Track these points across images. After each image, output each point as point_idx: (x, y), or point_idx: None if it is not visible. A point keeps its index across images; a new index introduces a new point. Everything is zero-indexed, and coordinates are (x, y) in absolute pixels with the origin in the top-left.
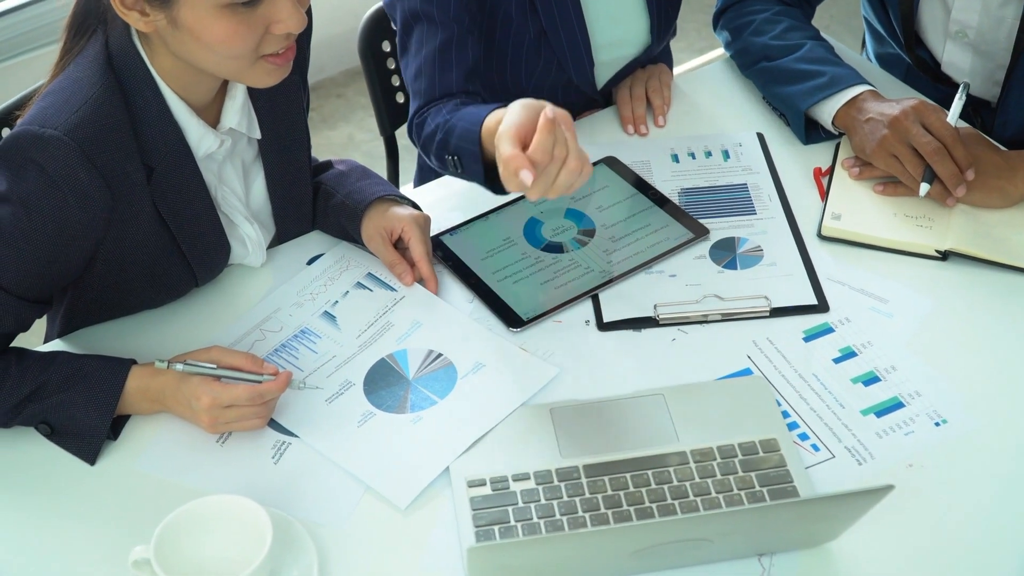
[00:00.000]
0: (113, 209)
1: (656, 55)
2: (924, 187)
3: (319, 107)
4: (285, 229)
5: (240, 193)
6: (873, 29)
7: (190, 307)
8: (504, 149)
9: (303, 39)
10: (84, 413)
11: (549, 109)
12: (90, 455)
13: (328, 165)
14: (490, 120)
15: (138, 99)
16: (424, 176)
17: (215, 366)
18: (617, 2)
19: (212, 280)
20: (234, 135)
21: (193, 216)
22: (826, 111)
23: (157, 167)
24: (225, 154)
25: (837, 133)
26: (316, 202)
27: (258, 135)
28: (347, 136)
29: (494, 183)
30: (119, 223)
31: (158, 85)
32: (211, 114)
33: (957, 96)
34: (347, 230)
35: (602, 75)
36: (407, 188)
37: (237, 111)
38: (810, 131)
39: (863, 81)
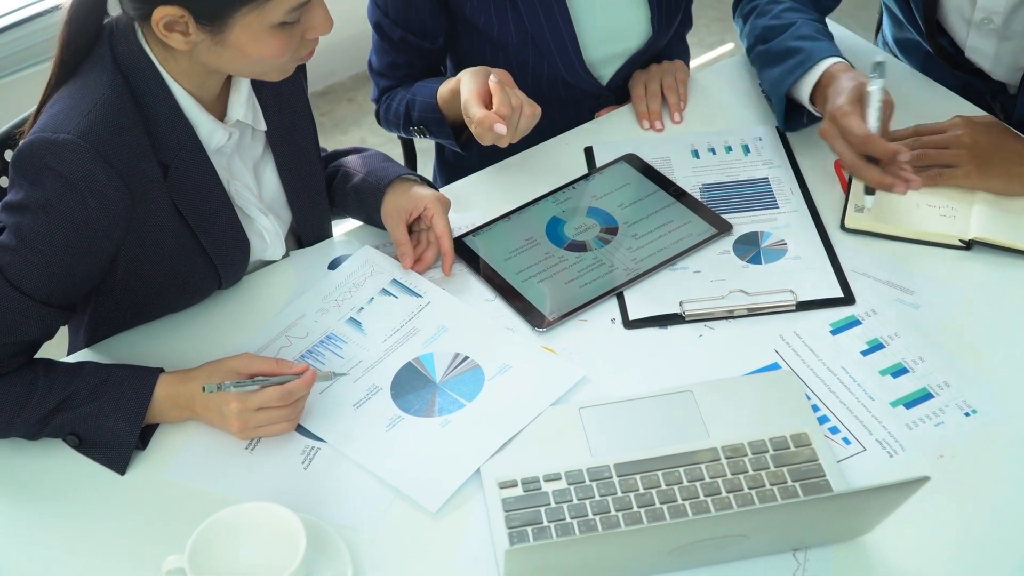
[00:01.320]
0: (132, 208)
1: (670, 50)
2: (869, 199)
3: (330, 112)
4: (302, 215)
5: (252, 186)
6: (892, 14)
7: (214, 314)
8: (475, 112)
9: None
10: (113, 423)
11: (492, 76)
12: (120, 465)
13: (350, 151)
14: (442, 90)
15: (148, 98)
16: (443, 177)
17: (254, 384)
18: None
19: (236, 283)
20: (240, 127)
21: (212, 211)
22: (804, 90)
23: (172, 164)
24: (233, 148)
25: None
26: (335, 185)
27: (264, 127)
28: (359, 140)
29: (459, 141)
30: (139, 222)
31: (167, 83)
32: (217, 108)
33: (874, 93)
34: (367, 209)
35: (605, 70)
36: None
37: (243, 103)
38: (798, 118)
39: (833, 53)
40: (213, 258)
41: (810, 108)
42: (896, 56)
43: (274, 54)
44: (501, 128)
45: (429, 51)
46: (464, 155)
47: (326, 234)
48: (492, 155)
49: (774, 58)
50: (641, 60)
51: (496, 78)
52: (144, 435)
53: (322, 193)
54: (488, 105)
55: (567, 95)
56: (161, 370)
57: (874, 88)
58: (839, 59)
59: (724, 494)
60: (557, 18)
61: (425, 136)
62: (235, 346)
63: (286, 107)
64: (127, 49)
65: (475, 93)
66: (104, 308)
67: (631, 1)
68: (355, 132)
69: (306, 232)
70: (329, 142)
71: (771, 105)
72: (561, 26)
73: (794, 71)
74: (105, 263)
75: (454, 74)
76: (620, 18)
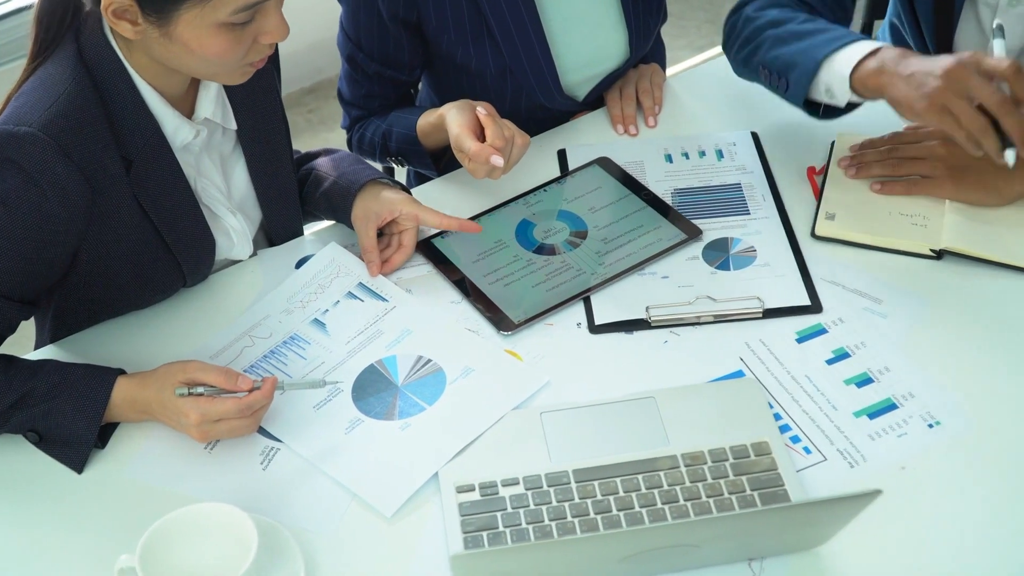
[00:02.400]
0: (93, 203)
1: (646, 55)
2: (1010, 154)
3: (318, 108)
4: (272, 215)
5: (220, 184)
6: (902, 39)
7: (180, 312)
8: (469, 146)
9: None
10: (71, 422)
11: (480, 108)
12: (77, 463)
13: (320, 153)
14: (422, 123)
15: (112, 92)
16: (417, 178)
17: (216, 388)
18: (591, 21)
19: (201, 281)
20: (210, 126)
21: (174, 207)
22: (844, 61)
23: (135, 159)
24: (201, 145)
25: (843, 106)
26: (306, 189)
27: (234, 125)
28: (345, 138)
29: (437, 168)
30: (100, 217)
31: (132, 78)
32: (185, 105)
33: (996, 40)
34: (338, 214)
35: (581, 91)
36: (416, 188)
37: (211, 101)
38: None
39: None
40: (176, 255)
41: (844, 84)
42: None
43: (219, 53)
44: (498, 160)
45: (404, 81)
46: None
47: (297, 233)
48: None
49: (797, 36)
50: (618, 76)
51: (484, 110)
52: (104, 433)
53: (293, 193)
54: (480, 138)
55: (544, 115)
56: (120, 372)
57: (996, 46)
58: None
59: (682, 502)
60: (535, 48)
61: (402, 165)
62: (200, 345)
63: (258, 106)
64: (94, 42)
65: (466, 127)
66: (68, 303)
67: (610, 25)
68: (342, 130)
69: (276, 232)
70: (315, 139)
71: (773, 86)
72: (539, 56)
73: (831, 43)
74: (66, 257)
75: (427, 98)
76: (599, 42)
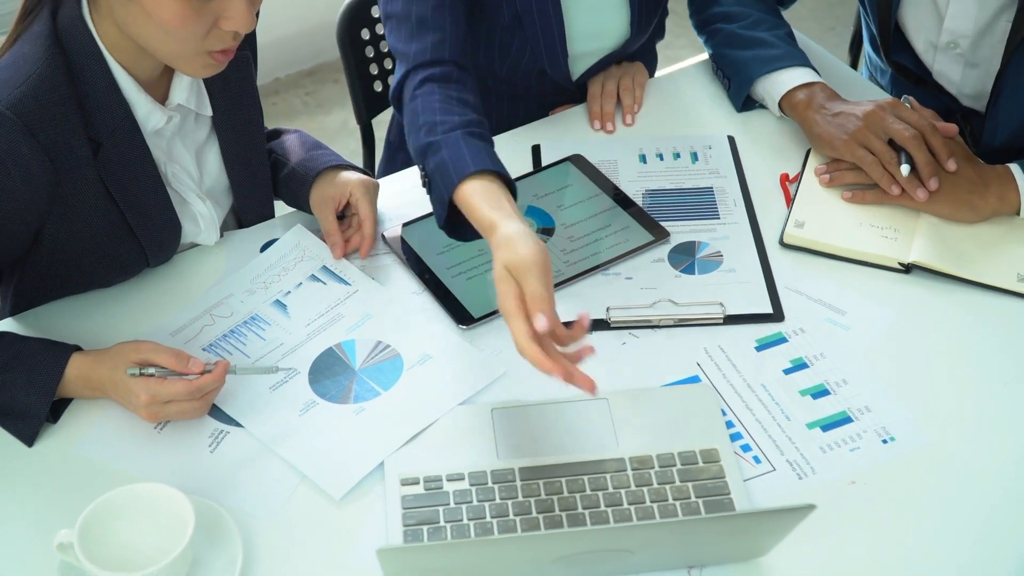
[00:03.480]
0: (57, 184)
1: (635, 53)
2: (905, 168)
3: (315, 91)
4: (244, 202)
5: (192, 170)
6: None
7: (142, 290)
8: (523, 344)
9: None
10: (24, 396)
11: (539, 322)
12: (28, 437)
13: (277, 133)
14: (469, 198)
15: (85, 73)
16: (390, 167)
17: (168, 370)
18: None
19: (166, 262)
20: (183, 112)
21: (140, 192)
22: (776, 85)
23: (104, 142)
24: (174, 131)
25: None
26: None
27: (209, 112)
28: (341, 122)
29: (449, 227)
30: (64, 198)
31: (106, 59)
32: (159, 90)
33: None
34: (297, 200)
35: (577, 67)
36: (388, 176)
37: (185, 88)
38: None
39: (815, 69)
40: (140, 238)
41: (774, 102)
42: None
43: (173, 21)
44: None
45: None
46: None
47: (267, 218)
48: None
49: (743, 42)
50: (612, 60)
51: (542, 326)
52: (57, 409)
53: (266, 181)
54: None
55: (536, 88)
56: (77, 348)
57: (904, 170)
58: (820, 78)
59: (625, 506)
60: (548, 6)
61: (424, 188)
62: (161, 323)
63: (234, 94)
64: (70, 21)
65: (522, 305)
66: (29, 278)
67: (615, 2)
68: (338, 113)
69: (247, 218)
70: (312, 123)
71: (722, 80)
72: (551, 15)
73: (771, 62)
74: (27, 235)
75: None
76: (604, 16)
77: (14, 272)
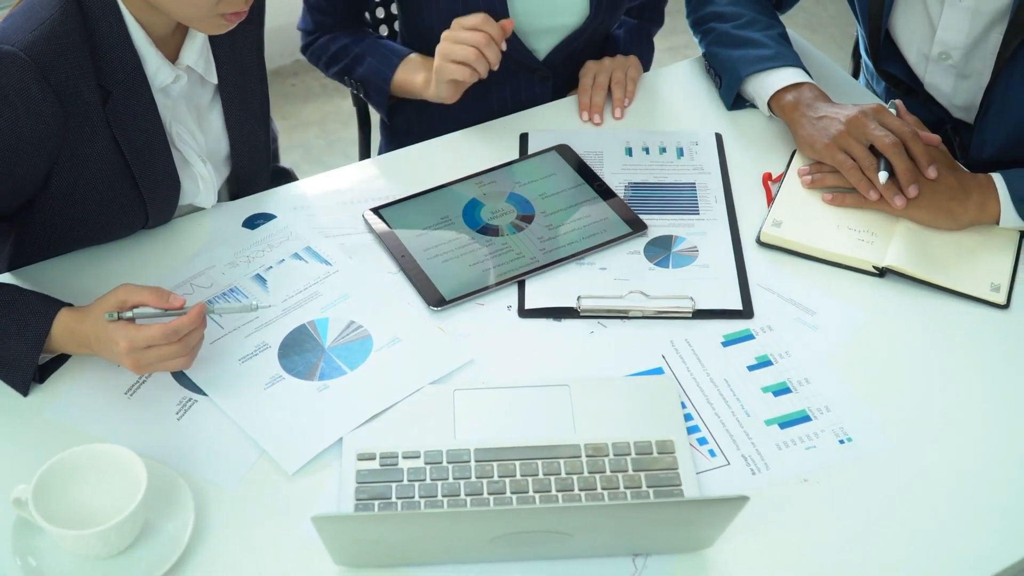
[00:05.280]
0: (66, 126)
1: (629, 42)
2: (883, 175)
3: (319, 75)
4: (242, 170)
5: (195, 133)
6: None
7: (136, 253)
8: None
9: None
10: (15, 343)
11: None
12: (21, 386)
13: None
14: (402, 77)
15: (100, 23)
16: (387, 140)
17: (154, 309)
18: None
19: (164, 223)
20: (191, 75)
21: (147, 145)
22: (765, 85)
23: (114, 91)
24: (180, 92)
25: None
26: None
27: (215, 80)
28: (337, 106)
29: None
30: (73, 143)
31: (121, 11)
32: (171, 49)
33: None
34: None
35: (539, 44)
36: (375, 157)
37: (196, 51)
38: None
39: (806, 70)
40: (143, 191)
41: (763, 102)
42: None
43: None
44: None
45: None
46: (414, 122)
47: (263, 189)
48: (436, 127)
49: (734, 42)
50: (581, 40)
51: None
52: (46, 371)
53: (266, 150)
54: None
55: (503, 68)
56: (67, 305)
57: (882, 177)
58: (811, 79)
59: (576, 491)
60: None
61: (359, 94)
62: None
63: (240, 62)
64: None
65: None
66: (31, 228)
67: None
68: (320, 103)
69: (244, 187)
70: (329, 105)
71: (714, 78)
72: None
73: (759, 62)
74: (36, 177)
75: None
76: None
77: (14, 224)
